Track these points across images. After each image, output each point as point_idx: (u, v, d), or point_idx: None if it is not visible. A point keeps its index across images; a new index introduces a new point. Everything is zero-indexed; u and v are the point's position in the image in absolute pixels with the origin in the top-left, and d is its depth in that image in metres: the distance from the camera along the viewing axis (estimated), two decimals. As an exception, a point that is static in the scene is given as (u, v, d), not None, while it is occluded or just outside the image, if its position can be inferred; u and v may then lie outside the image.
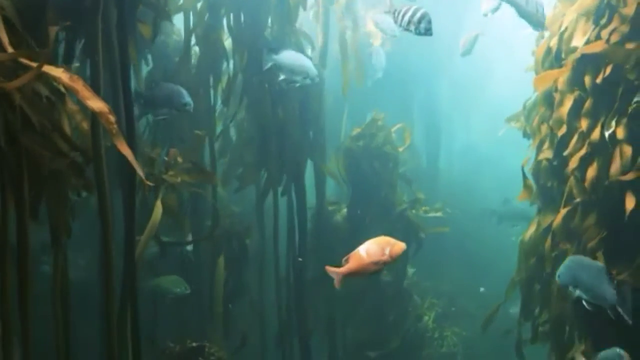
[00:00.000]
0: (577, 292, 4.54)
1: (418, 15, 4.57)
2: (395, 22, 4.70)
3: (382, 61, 7.47)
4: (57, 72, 3.53)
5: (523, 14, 5.00)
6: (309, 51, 7.30)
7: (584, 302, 4.54)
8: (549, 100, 5.95)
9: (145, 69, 6.74)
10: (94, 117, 4.14)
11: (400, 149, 8.09)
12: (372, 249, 4.29)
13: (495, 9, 6.86)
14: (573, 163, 5.36)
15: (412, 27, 4.60)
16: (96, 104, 3.47)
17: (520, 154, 6.36)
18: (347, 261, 4.29)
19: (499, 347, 7.34)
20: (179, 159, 5.65)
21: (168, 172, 5.73)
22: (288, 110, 6.96)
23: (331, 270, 4.31)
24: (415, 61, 9.67)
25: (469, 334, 8.85)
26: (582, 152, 5.28)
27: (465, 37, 8.44)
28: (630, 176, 4.90)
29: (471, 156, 10.65)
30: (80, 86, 3.52)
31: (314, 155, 7.37)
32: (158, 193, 5.58)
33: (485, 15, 6.99)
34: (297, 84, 6.08)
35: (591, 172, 5.19)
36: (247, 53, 6.72)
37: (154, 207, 5.40)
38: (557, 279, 4.69)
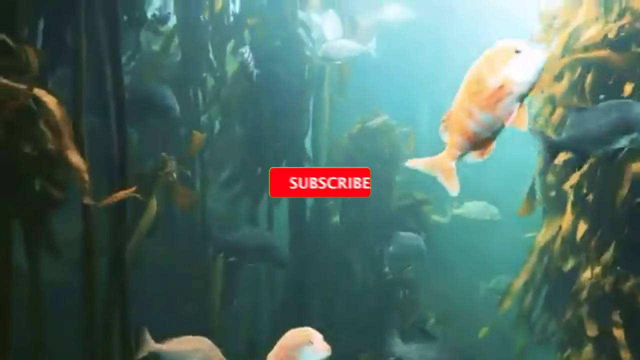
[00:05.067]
0: None
1: None
2: None
3: None
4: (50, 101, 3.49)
5: None
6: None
7: None
8: (553, 100, 5.91)
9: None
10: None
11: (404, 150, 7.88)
12: None
13: None
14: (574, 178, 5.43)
15: None
16: (74, 157, 3.40)
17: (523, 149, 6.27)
18: None
19: (499, 350, 7.35)
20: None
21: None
22: (281, 108, 7.04)
23: None
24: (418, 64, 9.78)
25: (469, 337, 8.73)
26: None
27: None
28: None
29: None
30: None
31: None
32: (151, 192, 5.61)
33: None
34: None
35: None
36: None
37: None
38: None
